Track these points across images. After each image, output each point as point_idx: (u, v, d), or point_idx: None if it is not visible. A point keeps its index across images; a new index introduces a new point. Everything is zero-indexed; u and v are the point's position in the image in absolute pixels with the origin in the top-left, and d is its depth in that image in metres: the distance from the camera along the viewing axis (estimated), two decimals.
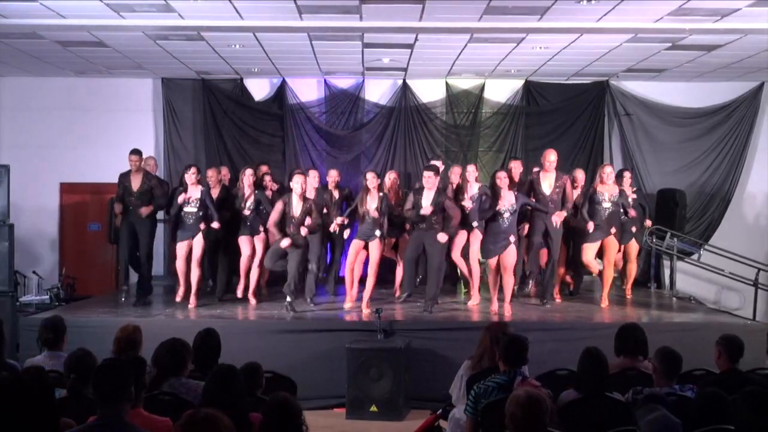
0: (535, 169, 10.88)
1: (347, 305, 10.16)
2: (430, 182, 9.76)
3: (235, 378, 4.61)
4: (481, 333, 6.36)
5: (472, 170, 10.50)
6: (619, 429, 4.77)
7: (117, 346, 5.98)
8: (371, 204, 9.86)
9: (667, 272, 12.92)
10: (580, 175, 11.05)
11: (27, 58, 12.06)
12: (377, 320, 8.90)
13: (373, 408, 8.48)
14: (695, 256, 12.93)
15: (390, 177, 11.06)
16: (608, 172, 10.45)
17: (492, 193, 9.91)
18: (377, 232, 9.79)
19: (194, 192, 10.18)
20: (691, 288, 12.90)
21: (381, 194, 9.89)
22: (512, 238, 9.66)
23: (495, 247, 9.75)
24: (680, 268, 12.93)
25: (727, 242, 13.00)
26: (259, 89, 13.91)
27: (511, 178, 10.24)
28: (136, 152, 10.59)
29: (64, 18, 9.58)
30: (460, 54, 11.72)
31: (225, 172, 11.66)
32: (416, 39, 10.84)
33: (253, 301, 10.57)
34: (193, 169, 10.25)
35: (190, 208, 10.17)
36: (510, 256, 9.71)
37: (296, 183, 9.78)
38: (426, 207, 9.62)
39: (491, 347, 6.10)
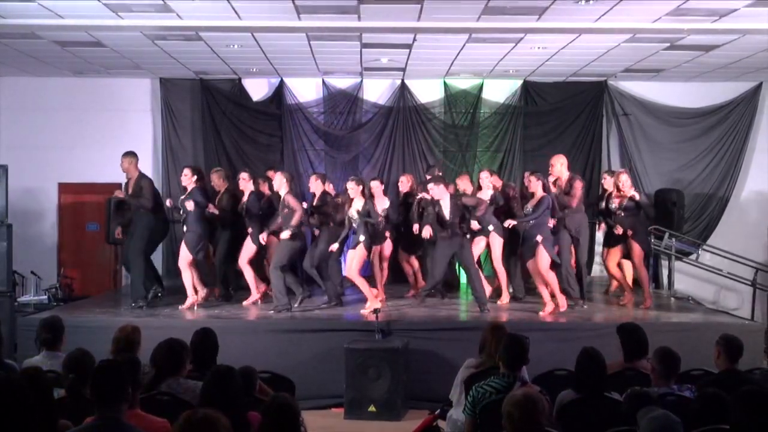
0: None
1: (368, 306, 9.95)
2: (439, 192, 9.84)
3: (233, 378, 4.63)
4: (484, 332, 6.38)
5: (485, 176, 10.65)
6: (618, 429, 4.77)
7: (115, 346, 5.99)
8: (353, 211, 9.90)
9: (665, 272, 12.92)
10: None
11: (25, 59, 12.06)
12: (375, 320, 8.90)
13: (372, 408, 8.47)
14: (693, 256, 12.94)
15: (409, 179, 11.27)
16: (623, 180, 10.14)
17: (521, 196, 10.15)
18: (361, 237, 9.82)
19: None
20: (689, 288, 12.91)
21: (364, 201, 9.90)
22: (539, 238, 9.52)
23: (527, 250, 9.88)
24: (678, 268, 12.93)
25: (725, 242, 13.01)
26: (258, 89, 13.91)
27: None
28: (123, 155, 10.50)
29: (62, 18, 9.57)
30: (458, 54, 11.72)
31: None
32: (414, 39, 10.84)
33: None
34: (185, 171, 10.25)
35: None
36: (541, 259, 9.59)
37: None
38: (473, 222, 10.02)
39: (491, 346, 6.13)
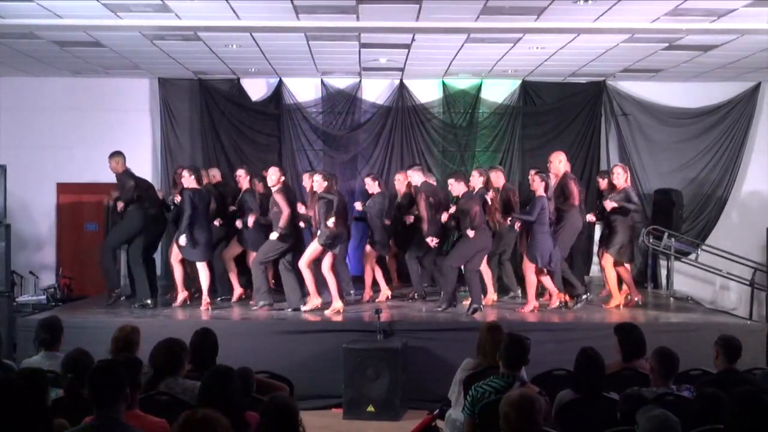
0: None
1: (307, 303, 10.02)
2: (459, 188, 9.94)
3: (232, 379, 4.62)
4: (480, 332, 6.38)
5: (475, 175, 10.48)
6: (617, 429, 4.77)
7: (114, 346, 5.99)
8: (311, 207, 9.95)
9: (664, 272, 12.92)
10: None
11: (24, 59, 12.05)
12: (377, 321, 8.89)
13: (370, 408, 8.48)
14: (692, 256, 12.94)
15: (406, 177, 11.12)
16: (617, 172, 10.42)
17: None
18: (318, 232, 9.85)
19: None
20: (687, 288, 12.91)
21: (318, 197, 9.86)
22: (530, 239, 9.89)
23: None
24: (677, 268, 12.92)
25: (723, 242, 13.01)
26: (256, 89, 13.90)
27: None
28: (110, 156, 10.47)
29: (61, 18, 9.56)
30: (456, 54, 11.72)
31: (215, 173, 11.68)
32: (413, 39, 10.84)
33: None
34: (184, 172, 10.22)
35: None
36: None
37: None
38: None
39: (488, 346, 6.14)
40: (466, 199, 9.83)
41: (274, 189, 9.96)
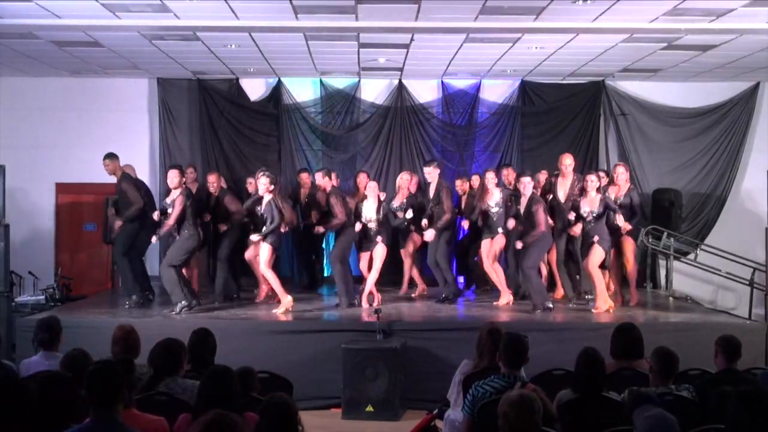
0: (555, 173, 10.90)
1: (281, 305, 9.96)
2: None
3: (230, 378, 4.62)
4: (480, 333, 6.37)
5: (491, 177, 10.54)
6: (616, 429, 4.77)
7: (116, 346, 6.02)
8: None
9: (663, 272, 12.93)
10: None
11: (22, 58, 12.04)
12: (376, 321, 8.89)
13: (369, 408, 8.47)
14: (691, 256, 12.94)
15: (405, 177, 11.24)
16: (620, 172, 10.56)
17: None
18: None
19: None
20: (686, 288, 12.91)
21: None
22: (596, 238, 9.77)
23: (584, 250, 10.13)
24: (676, 267, 12.93)
25: (722, 242, 13.01)
26: (255, 89, 13.90)
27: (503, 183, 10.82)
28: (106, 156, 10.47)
29: (60, 18, 9.57)
30: (456, 54, 11.73)
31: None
32: (412, 39, 10.84)
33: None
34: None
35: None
36: (593, 256, 9.82)
37: None
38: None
39: (487, 347, 6.14)
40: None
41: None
